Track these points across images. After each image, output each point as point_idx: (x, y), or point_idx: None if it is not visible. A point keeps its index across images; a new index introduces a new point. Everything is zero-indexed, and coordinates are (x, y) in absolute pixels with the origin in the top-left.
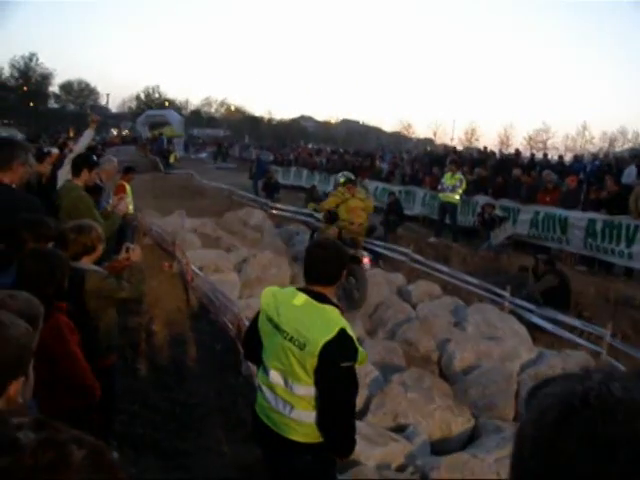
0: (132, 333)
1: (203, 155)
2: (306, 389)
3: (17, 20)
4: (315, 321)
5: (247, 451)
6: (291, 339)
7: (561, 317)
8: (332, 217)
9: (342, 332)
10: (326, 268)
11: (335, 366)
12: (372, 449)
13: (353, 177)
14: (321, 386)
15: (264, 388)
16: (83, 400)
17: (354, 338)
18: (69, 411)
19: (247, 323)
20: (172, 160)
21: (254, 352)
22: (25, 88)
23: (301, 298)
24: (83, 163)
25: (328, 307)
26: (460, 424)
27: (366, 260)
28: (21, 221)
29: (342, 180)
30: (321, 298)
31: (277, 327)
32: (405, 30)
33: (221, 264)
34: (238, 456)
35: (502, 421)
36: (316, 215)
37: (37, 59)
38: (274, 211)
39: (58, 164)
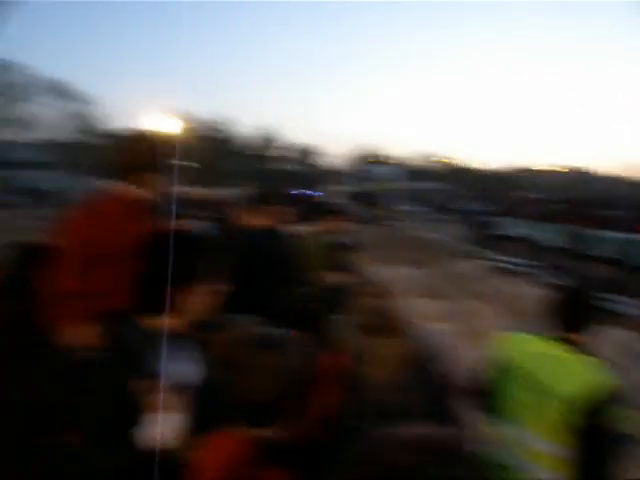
0: None
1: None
2: (557, 447)
3: None
4: (571, 373)
5: None
6: (544, 392)
7: None
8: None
9: (603, 384)
10: (574, 314)
11: (597, 422)
12: None
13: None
14: (580, 444)
15: (500, 444)
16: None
17: (615, 389)
18: None
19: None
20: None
21: (485, 403)
22: None
23: (551, 347)
24: None
25: (582, 357)
26: None
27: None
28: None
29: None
30: (572, 346)
31: (525, 378)
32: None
33: (436, 315)
34: None
35: None
36: None
37: None
38: (491, 262)
39: None
